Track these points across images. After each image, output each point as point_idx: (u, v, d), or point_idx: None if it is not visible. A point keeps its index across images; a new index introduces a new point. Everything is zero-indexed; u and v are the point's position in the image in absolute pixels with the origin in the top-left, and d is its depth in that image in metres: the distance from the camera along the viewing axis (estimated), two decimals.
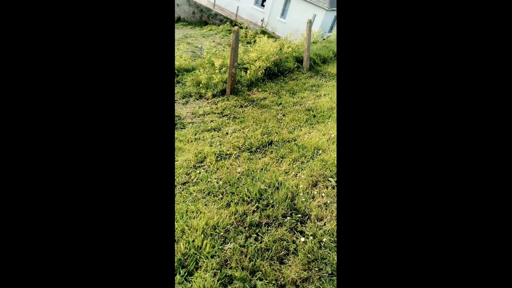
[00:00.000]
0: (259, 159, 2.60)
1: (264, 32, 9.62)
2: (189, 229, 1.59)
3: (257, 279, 1.33)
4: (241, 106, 4.12)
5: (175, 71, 5.30)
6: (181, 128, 3.52)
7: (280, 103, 4.19)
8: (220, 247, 1.49)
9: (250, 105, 4.16)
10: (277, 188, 2.03)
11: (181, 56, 5.54)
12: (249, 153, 2.72)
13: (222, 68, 4.85)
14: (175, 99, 4.51)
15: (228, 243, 1.52)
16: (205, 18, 12.56)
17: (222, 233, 1.58)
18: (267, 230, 1.63)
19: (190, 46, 7.77)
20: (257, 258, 1.43)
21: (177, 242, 1.50)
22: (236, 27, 3.97)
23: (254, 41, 7.15)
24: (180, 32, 10.83)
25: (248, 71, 4.95)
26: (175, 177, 2.29)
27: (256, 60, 5.20)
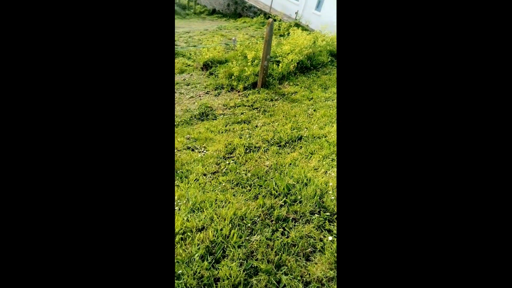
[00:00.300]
0: (288, 153, 2.57)
1: (297, 25, 9.40)
2: (217, 217, 1.62)
3: (282, 273, 1.33)
4: (272, 100, 4.10)
5: (209, 62, 5.39)
6: (213, 119, 3.59)
7: (312, 98, 4.09)
8: (247, 238, 1.50)
9: (280, 99, 4.12)
10: (306, 184, 2.00)
11: (215, 48, 5.62)
12: (278, 147, 2.70)
13: (254, 61, 4.84)
14: (208, 90, 4.60)
15: (254, 234, 1.53)
16: (240, 10, 12.56)
17: (249, 225, 1.60)
18: (294, 225, 1.62)
19: (224, 38, 7.83)
20: (283, 253, 1.43)
21: (206, 229, 1.54)
22: (270, 19, 3.92)
23: (288, 34, 7.03)
24: (214, 24, 10.96)
25: (280, 64, 4.89)
26: (206, 166, 2.35)
27: (288, 53, 5.12)
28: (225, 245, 1.44)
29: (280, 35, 7.62)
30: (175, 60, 6.00)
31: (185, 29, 9.40)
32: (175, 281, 1.24)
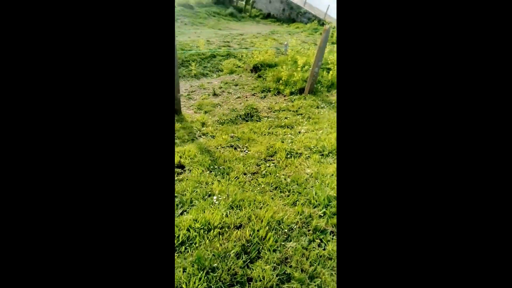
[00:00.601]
0: (330, 164, 2.50)
1: None
2: (255, 218, 1.64)
3: (315, 285, 1.29)
4: (318, 107, 4.02)
5: (259, 65, 5.49)
6: (257, 121, 3.64)
7: None
8: (283, 243, 1.49)
9: (327, 107, 4.02)
10: None
11: (266, 52, 5.70)
12: (320, 156, 2.64)
13: (304, 67, 4.80)
14: (255, 92, 4.69)
15: (290, 241, 1.52)
16: (294, 16, 12.59)
17: (286, 230, 1.58)
18: (332, 239, 1.56)
19: (276, 43, 7.91)
20: (318, 264, 1.38)
21: (243, 228, 1.56)
22: (327, 26, 3.86)
23: None
24: (268, 28, 11.14)
25: (330, 72, 4.78)
26: (246, 166, 2.39)
27: None
28: (261, 247, 1.45)
29: (332, 43, 7.45)
30: (227, 61, 6.23)
31: (239, 31, 9.72)
32: (210, 273, 1.29)
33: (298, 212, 1.73)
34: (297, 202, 1.85)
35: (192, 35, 8.54)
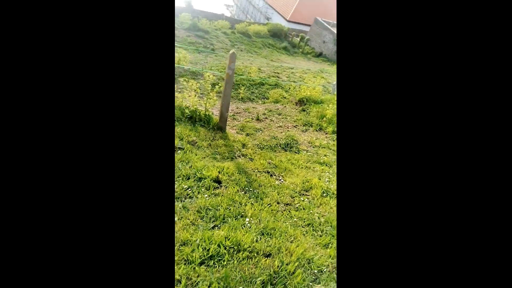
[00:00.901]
0: None
1: None
2: (285, 250, 1.60)
3: None
4: None
5: (304, 99, 5.60)
6: (296, 152, 3.65)
7: None
8: (311, 283, 1.42)
9: None
10: None
11: (314, 88, 5.83)
12: None
13: None
14: (296, 124, 4.75)
15: (319, 283, 1.44)
16: None
17: (315, 271, 1.51)
18: None
19: (324, 81, 8.07)
20: None
21: (272, 257, 1.53)
22: None
23: None
24: (318, 66, 11.49)
25: None
26: (280, 195, 2.37)
27: None
28: (288, 282, 1.40)
29: None
30: (274, 90, 6.46)
31: (290, 65, 10.12)
32: None
33: (330, 256, 1.65)
34: (330, 245, 1.78)
35: (246, 61, 9.09)
